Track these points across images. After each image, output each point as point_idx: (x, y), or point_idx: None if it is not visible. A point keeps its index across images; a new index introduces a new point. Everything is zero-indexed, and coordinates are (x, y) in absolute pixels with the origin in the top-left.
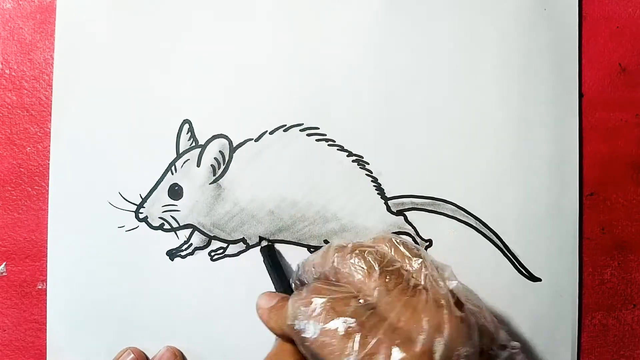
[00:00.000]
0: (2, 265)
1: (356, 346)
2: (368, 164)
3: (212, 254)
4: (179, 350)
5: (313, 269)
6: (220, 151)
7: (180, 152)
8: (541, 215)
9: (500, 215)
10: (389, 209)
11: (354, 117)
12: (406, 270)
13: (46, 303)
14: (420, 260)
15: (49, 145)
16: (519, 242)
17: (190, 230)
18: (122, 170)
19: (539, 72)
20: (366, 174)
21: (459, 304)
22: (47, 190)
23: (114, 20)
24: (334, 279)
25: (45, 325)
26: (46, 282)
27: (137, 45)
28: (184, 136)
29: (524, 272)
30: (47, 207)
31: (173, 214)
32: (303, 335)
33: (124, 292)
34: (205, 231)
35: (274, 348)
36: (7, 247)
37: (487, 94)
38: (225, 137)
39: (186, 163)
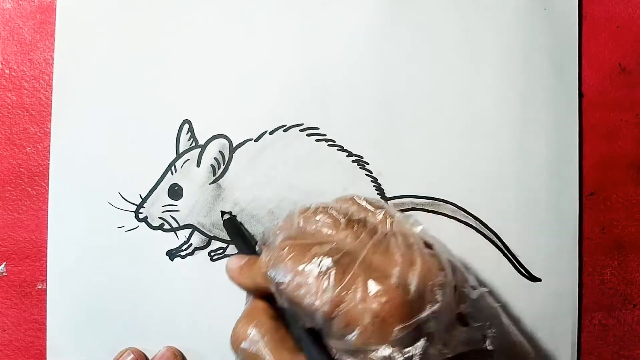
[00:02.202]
0: (2, 265)
1: (332, 282)
2: (368, 164)
3: (212, 254)
4: (179, 350)
5: (278, 232)
6: (220, 151)
7: (180, 152)
8: (541, 215)
9: (500, 216)
10: None
11: (354, 117)
12: (372, 222)
13: (46, 303)
14: (384, 210)
15: (49, 145)
16: (519, 242)
17: (190, 230)
18: (122, 170)
19: (539, 72)
20: (366, 174)
21: (427, 244)
22: (47, 190)
23: (114, 20)
24: None
25: (45, 325)
26: (46, 282)
27: (137, 45)
28: (184, 136)
29: (524, 272)
30: (47, 207)
31: (173, 214)
32: (278, 280)
33: (123, 292)
34: (205, 231)
35: (246, 307)
36: (7, 247)
37: (487, 94)
38: (225, 137)
39: (186, 163)
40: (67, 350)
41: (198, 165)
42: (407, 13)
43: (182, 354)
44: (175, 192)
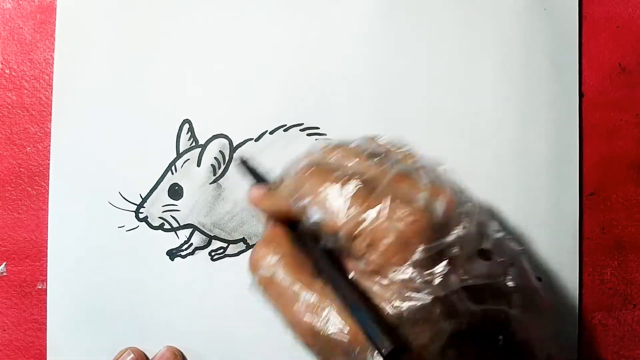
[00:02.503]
0: (2, 265)
1: (357, 201)
2: None
3: (213, 253)
4: (179, 350)
5: (300, 160)
6: (220, 151)
7: (181, 152)
8: (541, 215)
9: (500, 216)
10: None
11: (354, 117)
12: (394, 157)
13: (46, 303)
14: (408, 147)
15: (49, 145)
16: (519, 242)
17: (190, 230)
18: (122, 170)
19: (539, 72)
20: None
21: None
22: (47, 190)
23: (114, 20)
24: None
25: (45, 325)
26: (46, 282)
27: (137, 45)
28: (184, 136)
29: None
30: (47, 207)
31: (173, 213)
32: (302, 201)
33: (124, 292)
34: (205, 231)
35: (265, 233)
36: (7, 247)
37: (487, 94)
38: (226, 137)
39: (186, 163)
40: (67, 350)
41: (198, 165)
42: (407, 13)
43: (182, 354)
44: (175, 191)
